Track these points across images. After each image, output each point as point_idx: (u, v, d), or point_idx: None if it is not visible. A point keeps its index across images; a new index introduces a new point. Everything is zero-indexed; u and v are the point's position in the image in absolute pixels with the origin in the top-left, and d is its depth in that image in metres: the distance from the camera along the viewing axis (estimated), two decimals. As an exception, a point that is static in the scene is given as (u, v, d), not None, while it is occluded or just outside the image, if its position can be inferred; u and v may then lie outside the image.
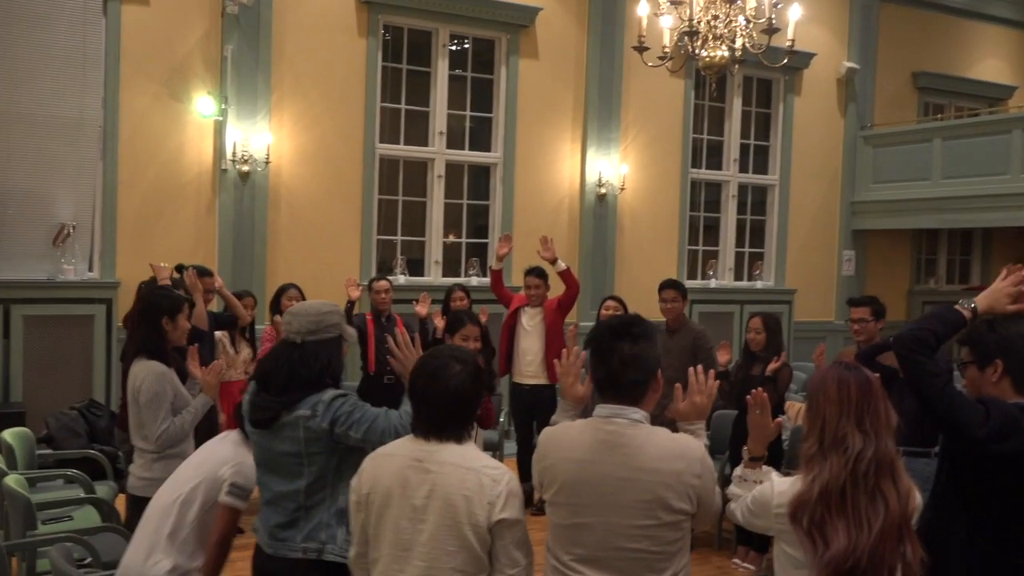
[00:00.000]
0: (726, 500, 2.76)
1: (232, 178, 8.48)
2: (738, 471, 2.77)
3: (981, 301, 2.76)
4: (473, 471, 2.57)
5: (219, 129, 8.53)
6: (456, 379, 2.63)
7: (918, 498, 2.50)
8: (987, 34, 13.76)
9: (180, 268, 6.16)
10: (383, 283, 7.31)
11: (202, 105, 8.45)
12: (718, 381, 2.86)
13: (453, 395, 2.62)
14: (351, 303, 7.05)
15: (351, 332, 3.34)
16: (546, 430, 2.73)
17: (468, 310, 6.32)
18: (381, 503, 2.63)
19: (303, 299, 6.70)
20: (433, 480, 2.57)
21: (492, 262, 7.96)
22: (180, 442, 4.19)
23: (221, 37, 8.51)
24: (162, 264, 6.01)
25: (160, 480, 4.06)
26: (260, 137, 8.53)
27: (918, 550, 2.41)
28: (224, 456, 3.45)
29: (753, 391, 2.77)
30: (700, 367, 2.82)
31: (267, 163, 8.56)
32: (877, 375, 2.57)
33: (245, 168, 8.46)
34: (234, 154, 8.43)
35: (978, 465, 2.57)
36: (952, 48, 13.39)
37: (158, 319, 4.24)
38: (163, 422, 4.09)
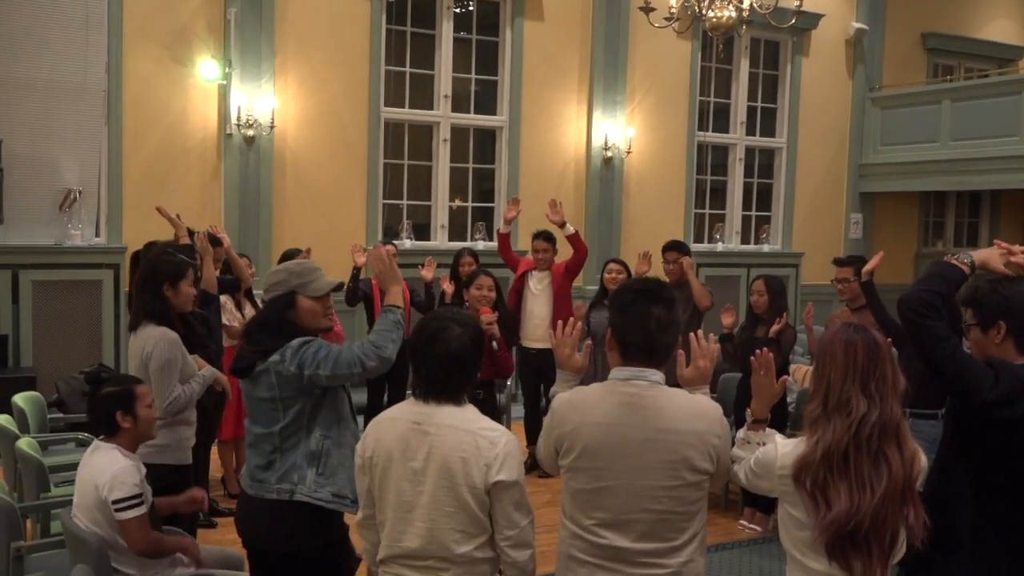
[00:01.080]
0: (731, 461, 2.77)
1: (237, 142, 8.45)
2: (741, 433, 2.78)
3: (977, 255, 2.76)
4: (470, 433, 2.61)
5: (223, 93, 8.49)
6: (456, 342, 2.66)
7: (923, 461, 2.50)
8: (997, -6, 13.61)
9: (191, 232, 6.14)
10: (389, 247, 7.26)
11: (206, 69, 8.40)
12: (718, 344, 2.87)
13: (453, 357, 2.66)
14: (357, 268, 7.06)
15: (317, 285, 3.33)
16: (561, 395, 2.73)
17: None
18: (383, 466, 2.68)
19: None
20: (431, 442, 2.61)
21: (499, 226, 7.95)
22: (184, 409, 4.21)
23: (223, 1, 8.45)
24: (176, 215, 5.90)
25: (165, 447, 4.11)
26: (265, 101, 8.49)
27: (920, 513, 2.41)
28: (92, 478, 3.39)
29: (757, 352, 2.77)
30: (700, 331, 2.84)
31: (272, 127, 8.52)
32: (888, 339, 2.56)
33: (250, 132, 8.43)
34: (239, 118, 8.39)
35: (986, 428, 2.57)
36: (961, 8, 13.24)
37: (159, 285, 4.21)
38: (174, 390, 4.11)
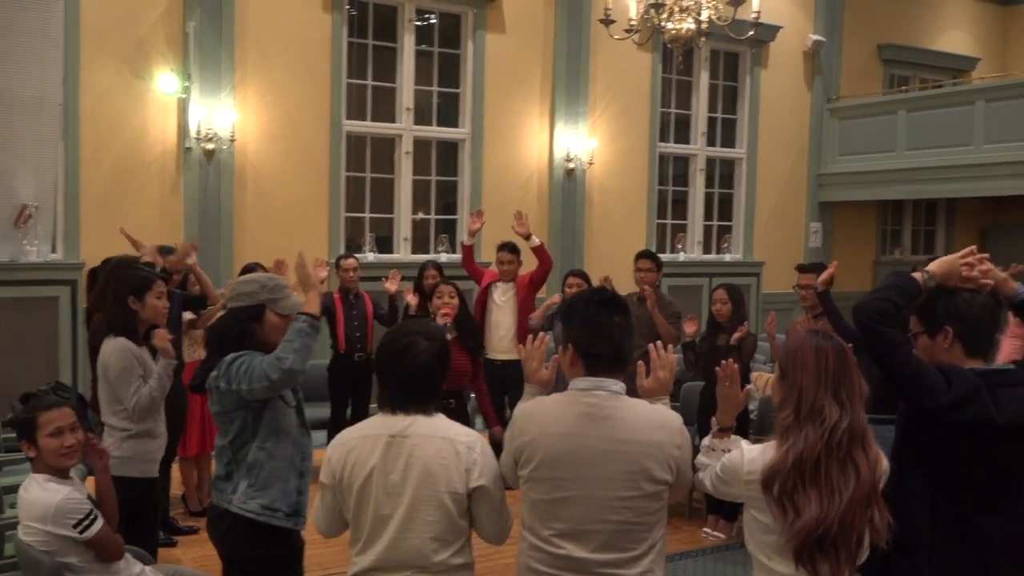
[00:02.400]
0: (695, 470, 2.78)
1: (197, 156, 8.38)
2: (706, 441, 2.80)
3: (935, 268, 2.80)
4: (448, 440, 2.63)
5: (183, 107, 8.42)
6: (424, 355, 2.67)
7: (886, 464, 2.53)
8: (951, 6, 13.87)
9: (167, 250, 6.04)
10: (351, 261, 7.28)
11: (165, 82, 8.33)
12: (677, 355, 2.88)
13: (421, 371, 2.67)
14: (319, 282, 7.01)
15: (288, 304, 3.33)
16: (521, 406, 2.73)
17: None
18: (360, 485, 2.66)
19: None
20: (409, 452, 2.62)
21: (463, 238, 7.94)
22: (151, 417, 4.16)
23: (183, 13, 8.39)
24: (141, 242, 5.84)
25: (130, 459, 4.08)
26: (225, 114, 8.43)
27: (885, 515, 2.45)
28: (34, 514, 3.30)
29: (723, 363, 2.79)
30: (659, 343, 2.84)
31: (232, 141, 8.46)
32: (851, 344, 2.59)
33: (210, 146, 8.36)
34: (198, 132, 8.32)
35: (940, 431, 2.61)
36: (916, 20, 13.48)
37: (124, 298, 4.20)
38: (134, 393, 4.09)
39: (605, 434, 2.53)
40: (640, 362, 2.81)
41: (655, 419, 2.59)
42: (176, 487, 6.37)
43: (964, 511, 2.61)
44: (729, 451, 2.70)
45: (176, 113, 8.45)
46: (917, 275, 2.79)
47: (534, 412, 2.66)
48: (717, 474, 2.63)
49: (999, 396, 2.57)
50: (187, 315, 6.08)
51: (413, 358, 2.66)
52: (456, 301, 5.83)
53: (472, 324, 6.12)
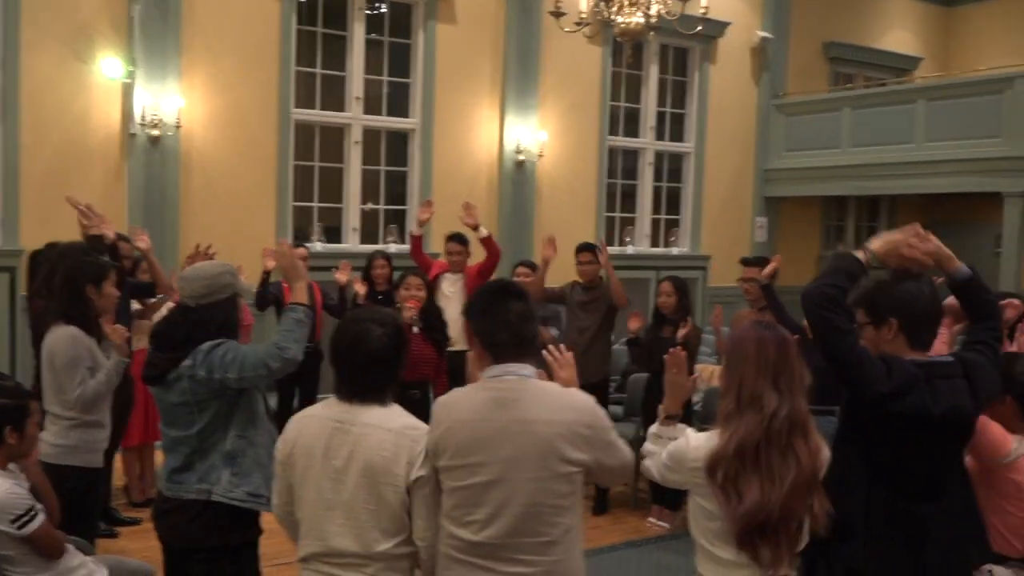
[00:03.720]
0: (640, 457, 2.82)
1: (141, 142, 8.24)
2: (653, 429, 2.83)
3: (877, 247, 2.84)
4: (393, 432, 2.64)
5: (127, 92, 8.27)
6: (377, 342, 2.69)
7: (827, 453, 2.60)
8: (895, 6, 14.12)
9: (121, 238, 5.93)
10: (300, 251, 7.20)
11: (108, 67, 8.18)
12: (571, 352, 2.88)
13: (373, 358, 2.68)
14: (267, 272, 6.96)
15: (246, 287, 3.41)
16: (439, 399, 2.77)
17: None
18: (304, 464, 2.71)
19: None
20: (354, 441, 2.63)
21: (412, 228, 7.93)
22: (95, 408, 4.10)
23: (127, -4, 8.26)
24: (86, 206, 5.58)
25: (74, 448, 4.02)
26: (170, 100, 8.30)
27: (824, 503, 2.51)
28: None
29: (671, 350, 2.84)
30: (551, 346, 2.88)
31: (178, 127, 8.34)
32: (796, 336, 2.65)
33: (155, 132, 8.23)
34: (143, 118, 8.19)
35: (879, 420, 2.67)
36: (861, 19, 13.70)
37: (82, 287, 4.12)
38: (79, 385, 4.02)
39: (515, 416, 2.55)
40: (541, 371, 2.80)
41: (565, 400, 2.61)
42: (118, 478, 6.28)
43: (900, 499, 2.68)
44: (675, 439, 2.74)
45: (120, 98, 8.30)
46: (860, 254, 2.83)
47: (447, 403, 2.70)
48: (664, 462, 2.67)
49: (936, 387, 2.64)
50: (135, 304, 5.99)
51: (366, 345, 2.68)
52: (423, 293, 5.84)
53: (438, 317, 6.12)
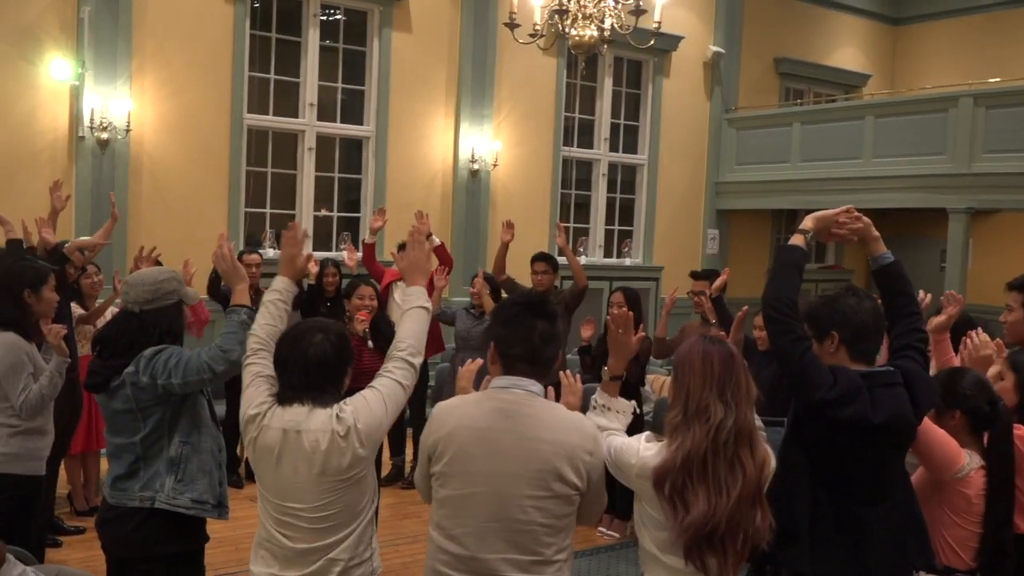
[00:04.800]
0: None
1: (90, 145, 8.12)
2: (599, 397, 2.84)
3: (811, 224, 2.99)
4: (328, 430, 2.64)
5: (76, 94, 8.15)
6: (317, 347, 2.70)
7: (773, 464, 2.64)
8: (844, 23, 14.39)
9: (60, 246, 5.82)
10: (254, 256, 7.19)
11: (56, 68, 8.05)
12: (581, 386, 2.92)
13: (313, 362, 2.69)
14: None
15: (191, 293, 3.38)
16: (440, 403, 2.75)
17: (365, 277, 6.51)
18: (260, 468, 2.75)
19: None
20: (310, 448, 2.64)
21: (365, 236, 7.91)
22: (39, 414, 4.03)
23: (77, -2, 8.14)
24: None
25: (16, 456, 3.95)
26: (120, 103, 8.19)
27: (767, 515, 2.54)
28: None
29: (613, 311, 2.87)
30: (568, 371, 2.90)
31: (128, 131, 8.23)
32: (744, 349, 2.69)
33: (104, 135, 8.11)
34: (92, 120, 8.07)
35: (822, 426, 2.73)
36: (812, 36, 13.94)
37: (19, 291, 4.04)
38: (24, 390, 3.96)
39: (518, 430, 2.55)
40: (550, 387, 2.84)
41: (570, 422, 2.62)
42: (61, 486, 6.16)
43: (843, 503, 2.74)
44: (622, 412, 2.78)
45: (69, 100, 8.17)
46: (798, 238, 2.94)
47: (452, 407, 2.70)
48: (612, 456, 2.68)
49: (877, 396, 2.70)
50: (76, 309, 5.89)
51: (306, 347, 2.70)
52: (375, 304, 5.83)
53: (387, 327, 6.11)
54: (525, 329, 2.62)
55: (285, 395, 2.72)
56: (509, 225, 7.21)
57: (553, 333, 2.65)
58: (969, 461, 3.05)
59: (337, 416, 2.65)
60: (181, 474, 3.18)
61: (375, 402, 2.70)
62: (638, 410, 2.89)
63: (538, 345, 2.62)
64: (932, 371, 3.47)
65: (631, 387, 5.65)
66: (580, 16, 6.79)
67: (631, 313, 2.93)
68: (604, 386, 2.84)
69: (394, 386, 2.75)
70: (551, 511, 2.54)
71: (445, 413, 2.67)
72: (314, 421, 2.65)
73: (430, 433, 2.66)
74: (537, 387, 2.63)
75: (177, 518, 3.18)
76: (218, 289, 6.87)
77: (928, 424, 2.99)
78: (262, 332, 2.89)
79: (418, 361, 2.84)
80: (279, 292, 3.00)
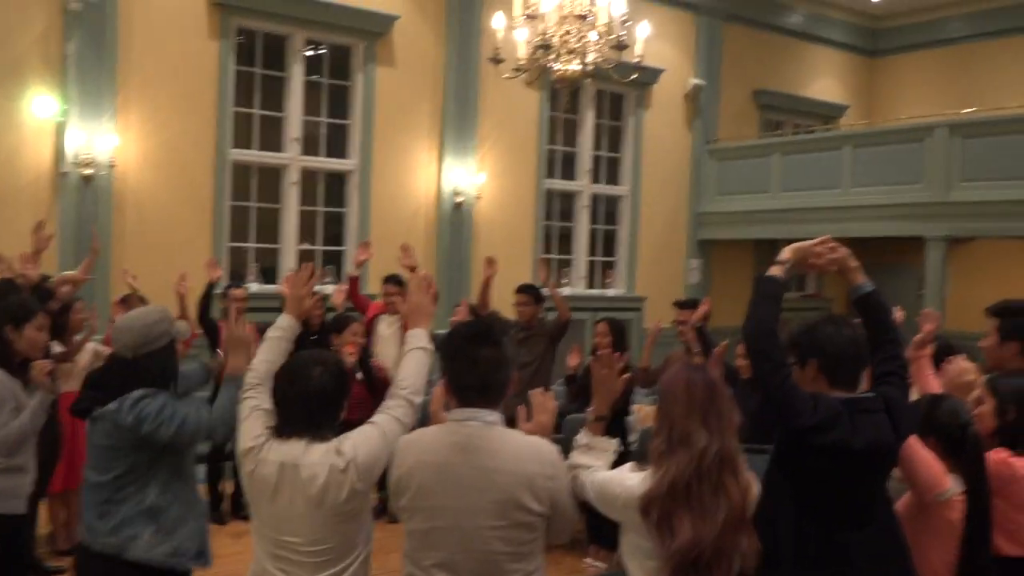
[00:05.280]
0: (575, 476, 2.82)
1: (74, 181, 8.13)
2: (582, 437, 2.85)
3: (789, 255, 3.04)
4: (327, 464, 2.65)
5: (59, 131, 8.17)
6: (316, 381, 2.71)
7: (756, 490, 2.67)
8: (822, 55, 14.59)
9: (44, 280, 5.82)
10: (240, 291, 7.22)
11: (40, 105, 8.06)
12: (556, 402, 2.95)
13: (313, 396, 2.70)
14: (211, 285, 6.95)
15: (183, 329, 3.37)
16: (402, 437, 2.76)
17: (353, 312, 6.50)
18: (255, 502, 2.76)
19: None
20: (305, 482, 2.64)
21: (349, 269, 7.93)
22: (20, 452, 4.00)
23: (62, 34, 8.17)
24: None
25: (-2, 492, 3.90)
26: (104, 139, 8.21)
27: (754, 540, 2.58)
28: None
29: (599, 352, 2.90)
30: (540, 388, 2.92)
31: (111, 166, 8.24)
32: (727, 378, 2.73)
33: (88, 171, 8.12)
34: (76, 157, 8.08)
35: (804, 452, 2.77)
36: (790, 68, 14.12)
37: (1, 327, 4.02)
38: (2, 426, 3.91)
39: (477, 463, 2.57)
40: (521, 406, 2.87)
41: (528, 450, 2.63)
42: (42, 525, 6.10)
43: (827, 528, 2.77)
44: (606, 451, 2.79)
45: (52, 137, 8.19)
46: (776, 269, 2.99)
47: (411, 442, 2.71)
48: (596, 491, 2.69)
49: (858, 422, 2.74)
50: (55, 346, 5.84)
51: (306, 382, 2.70)
52: (364, 340, 5.88)
53: (369, 358, 6.18)
54: (470, 360, 2.64)
55: (283, 429, 2.72)
56: (491, 262, 7.23)
57: (499, 359, 2.66)
58: (953, 486, 3.09)
59: (337, 450, 2.65)
60: (159, 524, 3.13)
61: (375, 438, 2.71)
62: (621, 447, 2.90)
63: (486, 373, 2.63)
64: (914, 391, 3.52)
65: (616, 417, 5.67)
66: (564, 51, 6.88)
67: (616, 354, 2.95)
68: (589, 426, 2.87)
69: (393, 423, 2.77)
70: (513, 539, 2.56)
71: (405, 448, 2.69)
72: (312, 455, 2.65)
73: (393, 468, 2.68)
74: (494, 416, 2.65)
75: (144, 570, 3.11)
76: (207, 315, 6.88)
77: (915, 444, 3.03)
78: (261, 368, 2.90)
79: (419, 400, 2.87)
80: (283, 330, 3.01)
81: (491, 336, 2.69)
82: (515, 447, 2.62)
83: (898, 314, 3.25)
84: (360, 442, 2.69)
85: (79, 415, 3.20)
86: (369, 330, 7.26)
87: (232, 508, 7.01)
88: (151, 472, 3.13)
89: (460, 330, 2.80)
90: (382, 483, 7.40)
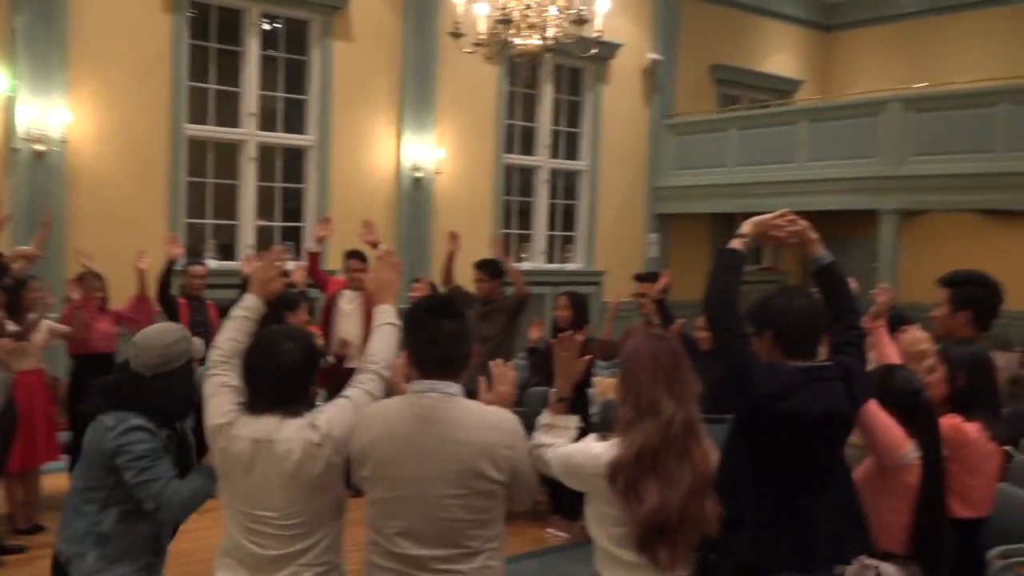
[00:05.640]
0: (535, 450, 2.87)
1: (25, 157, 7.99)
2: (544, 418, 2.88)
3: (748, 229, 3.08)
4: (302, 439, 2.66)
5: (9, 106, 8.01)
6: (288, 355, 2.71)
7: (716, 457, 2.73)
8: (778, 31, 14.71)
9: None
10: (200, 268, 7.19)
11: (-10, 80, 7.92)
12: (515, 372, 2.98)
13: (285, 372, 2.71)
14: (171, 262, 6.89)
15: (198, 347, 3.29)
16: (364, 409, 2.78)
17: (299, 292, 6.46)
18: (227, 477, 2.76)
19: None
20: (280, 456, 2.65)
21: (309, 245, 7.90)
22: None
23: (8, 7, 8.00)
24: None
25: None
26: (56, 115, 8.07)
27: (716, 505, 2.64)
28: None
29: (561, 334, 2.94)
30: (500, 360, 2.95)
31: (64, 142, 8.11)
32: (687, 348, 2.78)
33: (40, 147, 7.99)
34: (27, 132, 7.94)
35: (763, 420, 2.83)
36: (747, 43, 14.23)
37: None
38: None
39: (437, 434, 2.60)
40: (481, 378, 2.89)
41: (487, 420, 2.66)
42: (0, 505, 6.05)
43: (785, 494, 2.84)
44: (568, 428, 2.82)
45: (2, 112, 8.03)
46: (737, 242, 3.04)
47: (372, 414, 2.73)
48: (560, 464, 2.73)
49: (815, 390, 2.81)
50: (9, 325, 5.77)
51: (277, 357, 2.70)
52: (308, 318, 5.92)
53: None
54: (432, 333, 2.66)
55: (255, 405, 2.72)
56: (453, 236, 7.26)
57: (461, 332, 2.68)
58: (912, 451, 3.18)
59: (311, 425, 2.67)
60: (106, 552, 3.05)
61: (349, 411, 2.73)
62: (582, 423, 2.94)
63: (447, 346, 2.65)
64: (871, 359, 3.61)
65: (577, 389, 5.73)
66: (524, 26, 6.87)
67: (577, 334, 2.99)
68: (551, 407, 2.90)
69: (365, 397, 2.80)
70: (474, 507, 2.60)
71: (366, 420, 2.71)
72: (286, 430, 2.66)
73: (355, 439, 2.69)
74: (454, 387, 2.67)
75: None
76: (167, 293, 6.84)
77: (875, 410, 3.12)
78: (226, 346, 2.89)
79: (389, 374, 2.90)
80: (248, 310, 2.99)
81: (452, 309, 2.72)
82: (474, 417, 2.65)
83: (852, 285, 3.32)
84: (335, 416, 2.72)
85: (83, 418, 3.12)
86: (330, 306, 7.25)
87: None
88: (114, 498, 3.06)
89: (422, 303, 2.83)
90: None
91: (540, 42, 6.95)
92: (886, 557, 3.10)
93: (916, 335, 3.79)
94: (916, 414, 3.21)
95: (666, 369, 2.65)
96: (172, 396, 3.13)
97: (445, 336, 2.65)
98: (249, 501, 2.71)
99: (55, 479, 6.65)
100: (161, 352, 3.11)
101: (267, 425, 2.69)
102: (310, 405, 2.78)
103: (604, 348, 6.48)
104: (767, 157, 11.61)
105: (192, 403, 3.22)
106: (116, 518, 3.06)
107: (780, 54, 14.75)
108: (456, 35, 7.10)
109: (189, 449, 3.23)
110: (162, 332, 3.23)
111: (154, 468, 2.99)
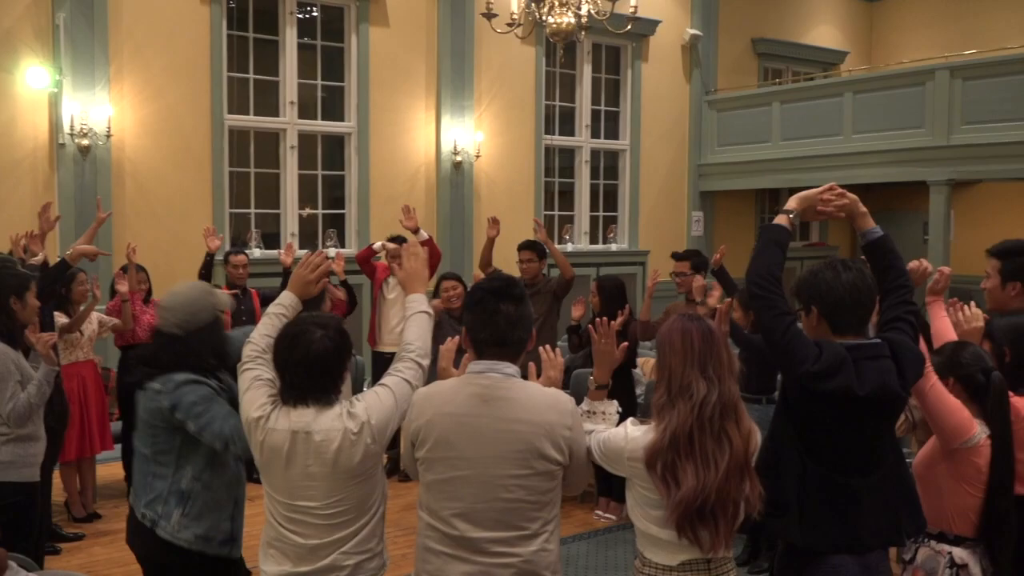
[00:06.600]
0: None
1: (71, 152, 8.10)
2: (584, 404, 2.88)
3: (795, 205, 2.99)
4: (340, 428, 2.67)
5: (54, 101, 8.13)
6: (318, 344, 2.70)
7: (758, 437, 2.68)
8: (820, 2, 14.44)
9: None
10: (241, 257, 7.22)
11: (33, 76, 8.02)
12: (562, 359, 2.97)
13: (316, 361, 2.70)
14: (211, 255, 6.97)
15: (224, 299, 3.36)
16: (420, 390, 2.79)
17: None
18: (268, 470, 2.77)
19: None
20: (317, 448, 2.67)
21: (350, 233, 7.92)
22: (29, 421, 4.04)
23: (52, 4, 8.10)
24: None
25: (11, 464, 3.95)
26: (100, 109, 8.17)
27: (757, 485, 2.60)
28: None
29: (598, 320, 2.91)
30: (548, 346, 2.95)
31: (108, 136, 8.21)
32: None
33: (85, 142, 8.10)
34: (72, 127, 8.05)
35: (809, 399, 2.77)
36: (788, 15, 13.98)
37: (5, 299, 4.04)
38: (10, 399, 3.95)
39: (497, 414, 2.60)
40: (531, 363, 2.88)
41: (547, 400, 2.66)
42: (57, 494, 6.17)
43: (832, 474, 2.78)
44: (606, 414, 2.81)
45: (47, 108, 8.15)
46: (782, 219, 2.95)
47: (430, 394, 2.73)
48: (601, 451, 2.72)
49: (862, 368, 2.74)
50: (59, 317, 5.86)
51: (307, 345, 2.70)
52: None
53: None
54: (490, 313, 2.66)
55: (288, 396, 2.73)
56: (495, 221, 7.24)
57: (519, 315, 2.68)
58: (980, 431, 3.09)
59: (348, 413, 2.68)
60: (188, 509, 3.15)
61: (386, 399, 2.74)
62: (620, 409, 2.92)
63: (504, 328, 2.65)
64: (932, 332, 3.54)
65: (623, 369, 5.70)
66: (557, 4, 6.81)
67: (611, 321, 2.96)
68: (590, 394, 2.89)
69: (403, 384, 2.81)
70: (535, 487, 2.59)
71: (424, 400, 2.72)
72: (323, 421, 2.67)
73: (411, 420, 2.71)
74: (512, 369, 2.67)
75: (172, 548, 3.16)
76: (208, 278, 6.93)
77: (942, 392, 3.04)
78: (261, 342, 2.91)
79: (427, 363, 2.91)
80: (284, 307, 3.03)
81: (512, 291, 2.71)
82: (534, 397, 2.65)
83: (924, 267, 3.24)
84: (372, 404, 2.72)
85: (132, 388, 3.19)
86: (376, 294, 7.30)
87: (247, 471, 7.05)
88: (186, 456, 3.16)
89: (483, 284, 2.82)
90: (392, 443, 7.52)
91: (574, 20, 6.88)
92: (956, 541, 3.03)
93: (972, 311, 3.67)
94: (987, 394, 3.11)
95: (698, 349, 2.61)
96: (207, 350, 3.21)
97: (504, 318, 2.65)
98: (289, 492, 2.73)
99: (109, 468, 6.78)
100: (185, 309, 3.21)
101: (304, 416, 2.69)
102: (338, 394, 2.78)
103: (644, 328, 6.43)
104: (812, 131, 11.42)
105: (227, 353, 3.28)
106: (193, 475, 3.16)
107: (823, 25, 14.48)
108: (489, 16, 7.05)
109: (236, 396, 3.28)
110: (183, 291, 3.32)
111: (210, 411, 3.08)
